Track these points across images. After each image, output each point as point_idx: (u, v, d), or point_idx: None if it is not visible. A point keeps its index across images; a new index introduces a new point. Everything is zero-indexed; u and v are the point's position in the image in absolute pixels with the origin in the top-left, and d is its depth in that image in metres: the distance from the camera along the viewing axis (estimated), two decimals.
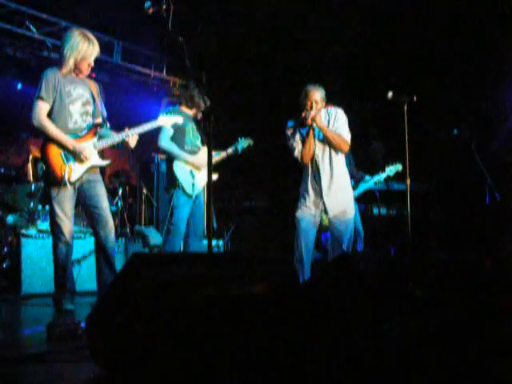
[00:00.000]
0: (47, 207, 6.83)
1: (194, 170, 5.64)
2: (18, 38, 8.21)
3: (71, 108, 4.56)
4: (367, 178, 6.67)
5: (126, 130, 4.72)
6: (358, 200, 6.69)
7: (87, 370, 2.57)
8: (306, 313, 2.42)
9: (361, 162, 6.87)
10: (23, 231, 6.33)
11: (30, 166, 7.95)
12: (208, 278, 2.13)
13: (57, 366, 2.77)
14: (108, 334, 2.11)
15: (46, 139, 4.47)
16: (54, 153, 4.44)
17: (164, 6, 3.56)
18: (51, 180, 4.45)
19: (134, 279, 1.96)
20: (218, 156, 5.96)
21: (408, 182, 5.22)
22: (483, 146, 6.50)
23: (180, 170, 5.56)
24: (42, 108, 4.43)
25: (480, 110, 7.59)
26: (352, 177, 6.44)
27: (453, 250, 6.80)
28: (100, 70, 8.60)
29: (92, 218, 4.67)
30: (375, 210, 7.43)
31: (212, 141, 3.36)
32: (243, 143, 6.15)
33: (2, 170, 7.43)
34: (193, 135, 5.72)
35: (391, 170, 6.64)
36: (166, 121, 5.06)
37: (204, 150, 5.81)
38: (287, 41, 8.69)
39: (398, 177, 6.66)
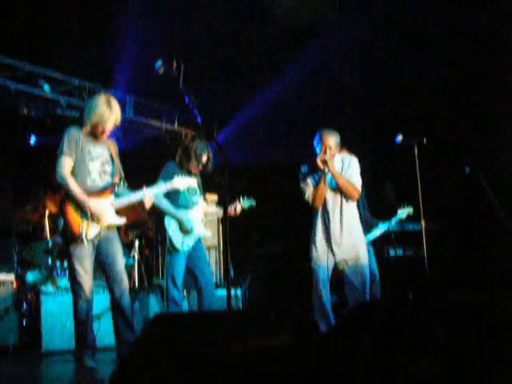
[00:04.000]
0: (65, 263, 6.91)
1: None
2: (33, 98, 8.40)
3: (90, 166, 4.60)
4: (381, 224, 6.67)
5: (144, 189, 4.78)
6: (373, 242, 6.67)
7: None
8: (330, 365, 2.42)
9: (373, 204, 6.87)
10: (42, 288, 6.37)
11: (46, 221, 8.03)
12: (229, 336, 2.15)
13: None
14: None
15: (65, 196, 4.52)
16: (72, 210, 4.47)
17: (174, 65, 3.65)
18: (69, 237, 4.47)
19: (156, 341, 1.98)
20: (217, 213, 6.12)
21: (423, 223, 5.23)
22: (494, 182, 6.50)
23: (170, 225, 5.61)
24: (66, 164, 4.47)
25: (491, 147, 7.63)
26: (366, 222, 6.45)
27: (472, 289, 6.75)
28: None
29: (107, 275, 4.70)
30: (391, 252, 7.40)
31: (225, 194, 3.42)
32: (245, 203, 6.19)
33: (20, 228, 7.50)
34: (188, 192, 5.74)
35: (402, 212, 6.65)
36: (181, 183, 5.14)
37: (198, 207, 5.89)
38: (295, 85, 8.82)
39: (413, 217, 6.66)
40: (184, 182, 5.18)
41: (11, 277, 6.54)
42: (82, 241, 4.44)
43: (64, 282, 6.65)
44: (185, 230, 5.62)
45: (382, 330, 2.61)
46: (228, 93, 9.05)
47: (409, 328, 2.84)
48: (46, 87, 8.12)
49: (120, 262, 4.71)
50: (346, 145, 6.16)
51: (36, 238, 7.62)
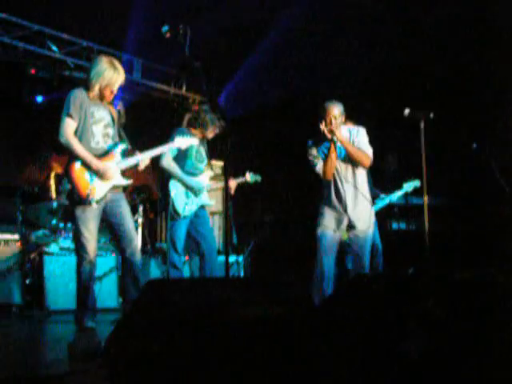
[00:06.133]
0: (69, 224, 6.96)
1: (189, 192, 5.71)
2: (40, 58, 8.38)
3: (94, 129, 4.59)
4: (382, 195, 6.65)
5: (138, 154, 4.81)
6: (377, 215, 6.66)
7: None
8: (322, 335, 2.45)
9: (375, 176, 6.83)
10: (45, 248, 6.43)
11: (51, 182, 8.07)
12: (221, 303, 2.16)
13: None
14: (126, 358, 2.16)
15: (71, 158, 4.51)
16: (79, 172, 4.48)
17: (181, 31, 3.62)
18: (76, 199, 4.48)
19: (149, 305, 2.01)
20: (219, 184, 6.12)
21: (425, 198, 5.21)
22: (502, 160, 6.47)
23: (175, 188, 5.63)
24: (69, 126, 4.45)
25: (499, 125, 7.56)
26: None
27: (474, 266, 6.76)
28: (120, 88, 8.70)
29: (117, 235, 4.71)
30: (394, 225, 7.41)
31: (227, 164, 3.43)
32: (250, 178, 6.20)
33: (25, 188, 7.53)
34: (196, 158, 5.76)
35: (409, 186, 6.62)
36: (183, 142, 5.16)
37: (205, 174, 5.90)
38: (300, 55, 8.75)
39: (417, 191, 6.63)
40: (186, 141, 5.17)
41: (15, 236, 6.61)
42: (89, 203, 4.45)
43: (67, 242, 6.70)
44: (195, 192, 5.65)
45: (376, 304, 2.63)
46: (228, 52, 8.97)
47: (403, 303, 2.85)
48: None
49: (129, 220, 4.72)
50: (353, 117, 6.14)
51: (41, 199, 7.64)
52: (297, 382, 2.31)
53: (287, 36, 8.14)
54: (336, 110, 4.97)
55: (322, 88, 8.35)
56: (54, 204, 7.22)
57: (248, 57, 8.96)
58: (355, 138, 5.06)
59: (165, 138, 5.70)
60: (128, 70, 9.01)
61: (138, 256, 4.72)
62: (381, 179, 7.02)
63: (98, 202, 4.51)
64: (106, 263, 6.31)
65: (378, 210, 6.62)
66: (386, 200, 6.64)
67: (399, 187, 6.70)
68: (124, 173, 4.75)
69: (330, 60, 8.49)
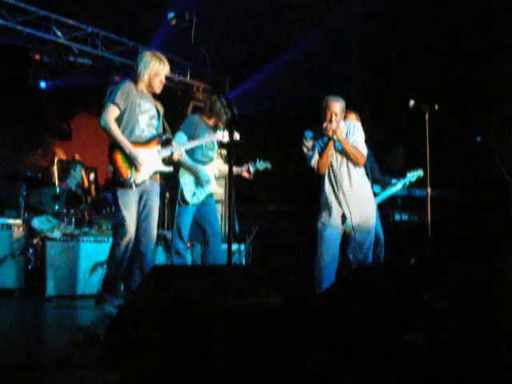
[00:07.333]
0: (72, 210, 6.99)
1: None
2: (45, 44, 8.37)
3: (140, 117, 4.84)
4: (394, 181, 6.65)
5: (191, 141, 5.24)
6: (379, 206, 6.65)
7: (107, 376, 2.63)
8: (323, 324, 2.45)
9: (382, 167, 6.84)
10: (48, 234, 6.43)
11: (55, 168, 8.09)
12: (224, 290, 2.17)
13: (78, 371, 2.83)
14: (128, 344, 2.17)
15: (113, 144, 4.72)
16: (121, 157, 4.70)
17: (187, 18, 3.62)
18: (119, 181, 4.70)
19: (153, 291, 2.02)
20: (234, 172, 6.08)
21: (429, 190, 5.23)
22: (506, 153, 6.46)
23: (184, 176, 5.65)
24: (112, 111, 4.69)
25: (503, 118, 7.54)
26: (378, 182, 6.46)
27: (474, 259, 6.77)
28: (125, 74, 8.71)
29: (139, 225, 4.87)
30: (397, 216, 7.41)
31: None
32: (260, 165, 6.20)
33: (29, 173, 7.54)
34: (206, 146, 5.77)
35: (412, 175, 6.62)
36: (225, 136, 5.44)
37: (215, 163, 5.93)
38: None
39: (420, 183, 6.63)
40: (227, 136, 5.29)
41: (18, 222, 6.62)
42: (130, 185, 4.66)
43: (70, 228, 6.71)
44: (202, 183, 5.65)
45: (378, 294, 2.63)
46: (245, 47, 8.97)
47: (405, 294, 2.86)
48: None
49: (154, 216, 4.94)
50: (358, 108, 6.12)
51: (44, 184, 7.66)
52: (297, 370, 2.32)
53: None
54: (337, 107, 5.01)
55: (327, 82, 8.35)
56: (57, 189, 7.24)
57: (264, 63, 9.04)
58: (351, 133, 5.11)
59: (170, 124, 5.71)
60: (133, 57, 8.98)
61: (151, 251, 4.95)
62: (388, 170, 7.02)
63: (138, 185, 4.73)
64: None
65: (385, 199, 6.61)
66: (395, 187, 6.62)
67: (404, 176, 6.70)
68: (165, 160, 4.98)
69: (336, 52, 8.49)
